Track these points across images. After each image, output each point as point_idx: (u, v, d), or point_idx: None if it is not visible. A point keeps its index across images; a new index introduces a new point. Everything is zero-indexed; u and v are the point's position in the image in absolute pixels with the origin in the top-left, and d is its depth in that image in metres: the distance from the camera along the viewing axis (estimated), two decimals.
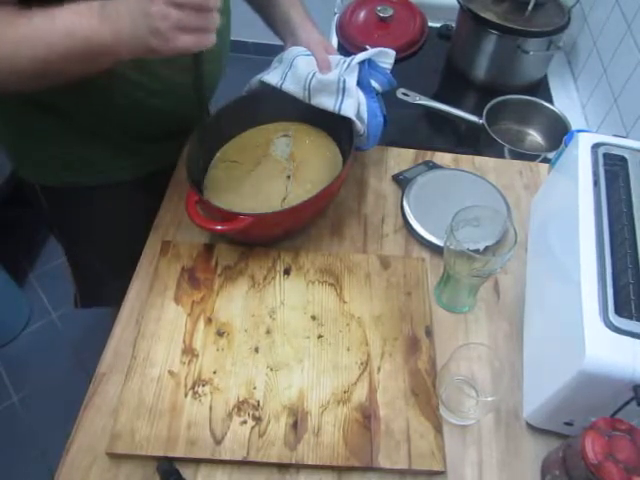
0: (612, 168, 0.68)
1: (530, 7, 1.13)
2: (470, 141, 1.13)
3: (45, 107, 0.76)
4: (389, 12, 1.32)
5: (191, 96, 0.69)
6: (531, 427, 0.64)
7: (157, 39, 0.54)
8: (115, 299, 0.75)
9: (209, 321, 0.71)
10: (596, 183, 0.66)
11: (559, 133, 0.99)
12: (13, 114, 0.78)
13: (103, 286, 1.04)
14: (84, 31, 0.56)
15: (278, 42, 0.91)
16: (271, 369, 0.66)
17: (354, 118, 0.78)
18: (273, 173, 0.78)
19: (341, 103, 0.78)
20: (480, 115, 1.08)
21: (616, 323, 0.53)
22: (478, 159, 0.95)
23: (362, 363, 0.67)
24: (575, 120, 1.12)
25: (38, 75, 0.60)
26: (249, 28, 1.53)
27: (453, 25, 1.33)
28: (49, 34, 0.57)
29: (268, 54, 1.50)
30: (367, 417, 0.63)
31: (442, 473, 0.61)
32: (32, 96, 0.73)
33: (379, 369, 0.67)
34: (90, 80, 0.66)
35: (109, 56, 0.59)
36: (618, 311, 0.54)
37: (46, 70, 0.60)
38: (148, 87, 0.76)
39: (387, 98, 0.87)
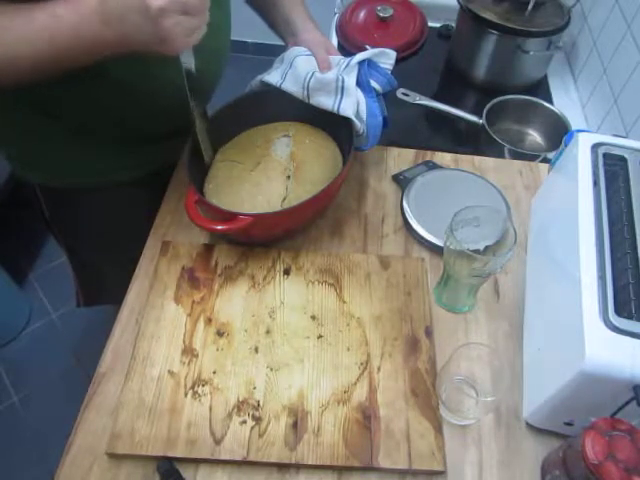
0: (612, 168, 0.68)
1: (530, 7, 1.13)
2: (470, 141, 1.13)
3: (44, 108, 0.76)
4: (389, 12, 1.32)
5: (188, 97, 0.70)
6: (531, 427, 0.64)
7: (159, 42, 0.56)
8: (117, 297, 0.75)
9: (209, 321, 0.71)
10: (596, 183, 0.66)
11: (559, 133, 0.99)
12: (12, 115, 0.78)
13: (104, 284, 1.04)
14: (87, 32, 0.57)
15: (278, 42, 0.91)
16: (271, 369, 0.66)
17: (353, 117, 0.78)
18: (273, 173, 0.78)
19: (340, 102, 0.78)
20: (480, 115, 1.08)
21: (616, 323, 0.53)
22: (478, 159, 0.95)
23: (362, 363, 0.67)
24: (575, 120, 1.13)
25: (37, 71, 0.61)
26: (249, 28, 1.54)
27: (453, 25, 1.33)
28: (52, 34, 0.57)
29: (268, 54, 1.51)
30: (367, 417, 0.63)
31: (442, 473, 0.61)
32: (31, 97, 0.73)
33: (379, 369, 0.67)
34: (90, 82, 0.66)
35: (111, 51, 0.60)
36: (618, 311, 0.54)
37: (47, 66, 0.60)
38: (148, 88, 0.76)
39: (387, 98, 0.87)
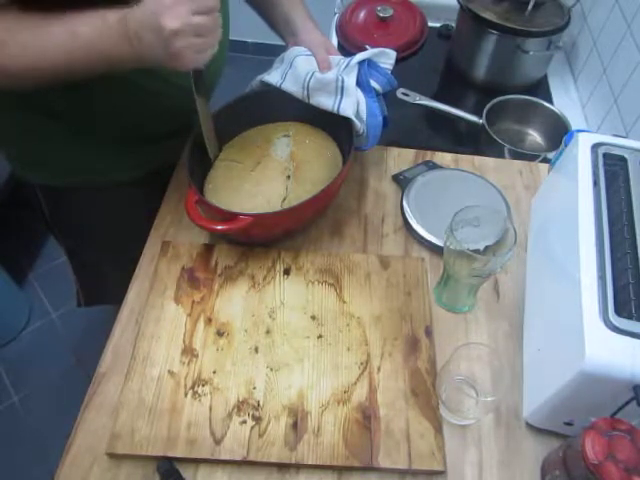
0: (612, 168, 0.68)
1: (530, 7, 1.13)
2: (470, 141, 1.13)
3: (45, 109, 0.76)
4: (389, 12, 1.32)
5: (190, 97, 0.70)
6: (531, 427, 0.64)
7: (172, 60, 0.59)
8: (117, 297, 0.75)
9: (209, 321, 0.71)
10: (596, 183, 0.66)
11: (559, 133, 0.99)
12: (12, 115, 0.78)
13: (105, 284, 1.04)
14: (105, 48, 0.59)
15: (278, 42, 0.91)
16: (271, 369, 0.66)
17: (353, 117, 0.78)
18: (273, 173, 0.78)
19: (340, 102, 0.78)
20: (480, 115, 1.08)
21: (616, 323, 0.53)
22: (478, 159, 0.95)
23: (362, 363, 0.67)
24: (575, 120, 1.13)
25: (54, 80, 0.63)
26: (249, 28, 1.54)
27: (453, 25, 1.33)
28: (70, 49, 0.59)
29: (268, 54, 1.51)
30: (367, 417, 0.63)
31: (442, 473, 0.61)
32: (33, 98, 0.73)
33: (379, 369, 0.67)
34: (92, 84, 0.66)
35: (127, 65, 0.62)
36: (618, 311, 0.54)
37: (63, 76, 0.62)
38: (151, 89, 0.76)
39: (387, 98, 0.87)
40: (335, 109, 0.78)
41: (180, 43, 0.56)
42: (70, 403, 0.74)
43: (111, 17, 0.58)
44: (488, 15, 1.14)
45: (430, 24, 1.38)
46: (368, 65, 0.81)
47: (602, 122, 1.11)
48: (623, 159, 0.68)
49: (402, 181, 0.89)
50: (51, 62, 0.60)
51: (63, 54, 0.59)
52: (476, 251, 0.64)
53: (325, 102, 0.79)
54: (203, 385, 0.65)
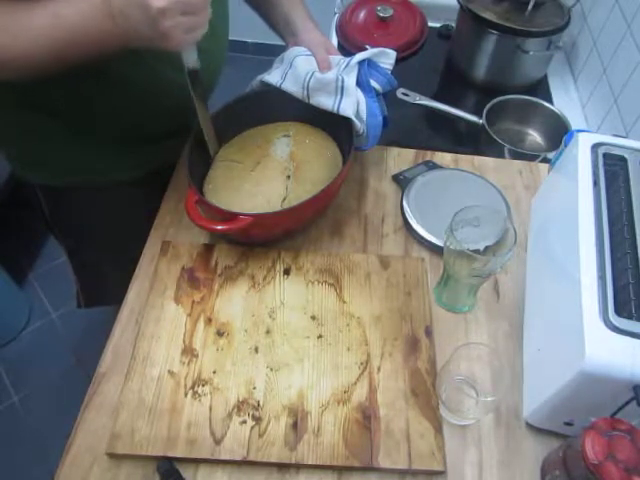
0: (612, 168, 0.68)
1: (530, 7, 1.13)
2: (470, 141, 1.13)
3: (45, 109, 0.76)
4: (389, 12, 1.32)
5: (190, 97, 0.70)
6: (531, 427, 0.64)
7: (160, 39, 0.57)
8: (117, 297, 0.75)
9: (209, 321, 0.71)
10: (596, 183, 0.66)
11: (559, 133, 0.99)
12: (12, 115, 0.78)
13: (105, 284, 1.04)
14: (91, 28, 0.58)
15: (278, 42, 0.91)
16: (271, 369, 0.66)
17: (353, 117, 0.78)
18: (273, 173, 0.78)
19: (340, 102, 0.78)
20: (480, 115, 1.08)
21: (616, 323, 0.53)
22: (478, 159, 0.95)
23: (362, 363, 0.67)
24: (575, 120, 1.12)
25: (41, 67, 0.62)
26: (249, 28, 1.54)
27: (453, 25, 1.33)
28: (54, 32, 0.58)
29: (268, 54, 1.51)
30: (367, 417, 0.63)
31: (442, 473, 0.61)
32: (32, 98, 0.73)
33: (379, 369, 0.67)
34: (92, 81, 0.66)
35: (116, 45, 0.60)
36: (618, 311, 0.54)
37: (51, 62, 0.61)
38: (151, 89, 0.76)
39: (387, 98, 0.87)
40: (335, 109, 0.78)
41: (168, 22, 0.55)
42: (70, 403, 0.74)
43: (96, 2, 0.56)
44: (488, 15, 1.14)
45: (430, 24, 1.38)
46: (368, 65, 0.81)
47: (602, 122, 1.11)
48: (623, 159, 0.68)
49: (402, 181, 0.89)
50: (35, 46, 0.58)
51: (47, 38, 0.58)
52: (476, 251, 0.64)
53: (325, 102, 0.79)
54: (203, 385, 0.65)
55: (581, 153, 0.70)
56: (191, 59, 0.66)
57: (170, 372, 0.66)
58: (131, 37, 0.58)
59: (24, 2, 0.57)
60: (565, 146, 0.86)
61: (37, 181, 0.89)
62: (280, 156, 0.80)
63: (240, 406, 0.63)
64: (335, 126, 0.82)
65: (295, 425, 0.62)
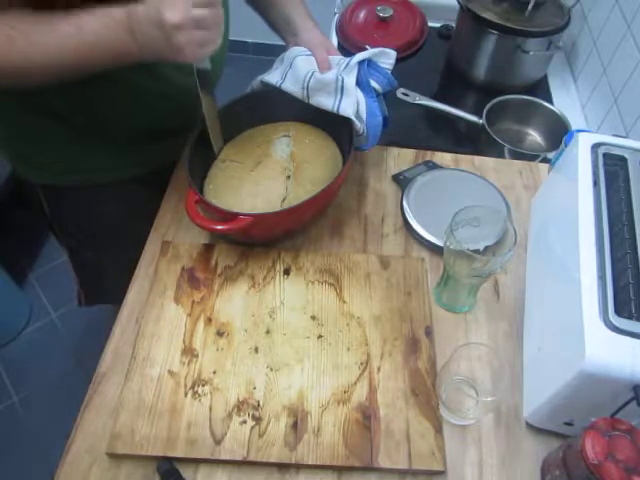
0: (612, 168, 0.68)
1: (530, 7, 1.13)
2: (470, 141, 1.13)
3: (46, 110, 0.76)
4: (389, 12, 1.32)
5: (193, 97, 0.70)
6: (531, 427, 0.64)
7: (175, 53, 0.60)
8: (117, 296, 0.75)
9: (209, 321, 0.71)
10: (596, 183, 0.66)
11: (559, 133, 0.99)
12: (13, 116, 0.78)
13: (105, 284, 1.04)
14: (113, 43, 0.60)
15: (278, 42, 0.91)
16: (271, 369, 0.66)
17: (353, 117, 0.78)
18: (273, 173, 0.78)
19: (339, 102, 0.78)
20: (480, 115, 1.08)
21: (616, 323, 0.53)
22: (478, 159, 0.95)
23: (362, 363, 0.67)
24: (575, 120, 1.13)
25: (61, 76, 0.64)
26: (249, 28, 1.54)
27: (453, 25, 1.33)
28: (75, 44, 0.60)
29: (268, 54, 1.51)
30: (367, 417, 0.63)
31: (442, 473, 0.61)
32: (33, 100, 0.73)
33: (379, 369, 0.67)
34: (97, 84, 0.67)
35: (133, 59, 0.62)
36: (618, 311, 0.54)
37: (70, 72, 0.63)
38: (152, 89, 0.76)
39: (387, 98, 0.87)
40: (335, 109, 0.78)
41: (182, 37, 0.57)
42: (70, 403, 0.74)
43: (116, 13, 0.58)
44: (488, 15, 1.14)
45: (430, 24, 1.38)
46: (368, 65, 0.81)
47: (602, 122, 1.11)
48: (623, 159, 0.68)
49: (402, 181, 0.89)
50: (57, 57, 0.60)
51: (69, 50, 0.60)
52: (476, 251, 0.64)
53: (325, 102, 0.79)
54: (203, 385, 0.65)
55: (581, 153, 0.70)
56: (202, 62, 0.68)
57: (170, 372, 0.66)
58: (146, 51, 0.60)
59: (47, 14, 0.59)
60: (565, 146, 0.86)
61: (38, 181, 0.89)
62: (280, 156, 0.80)
63: (240, 406, 0.63)
64: (335, 126, 0.82)
65: (295, 425, 0.62)
